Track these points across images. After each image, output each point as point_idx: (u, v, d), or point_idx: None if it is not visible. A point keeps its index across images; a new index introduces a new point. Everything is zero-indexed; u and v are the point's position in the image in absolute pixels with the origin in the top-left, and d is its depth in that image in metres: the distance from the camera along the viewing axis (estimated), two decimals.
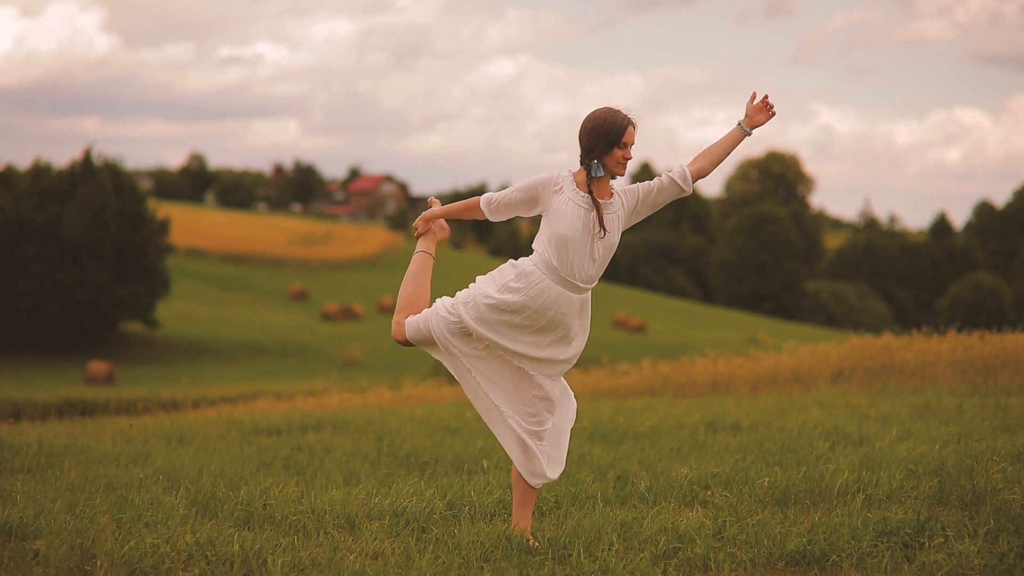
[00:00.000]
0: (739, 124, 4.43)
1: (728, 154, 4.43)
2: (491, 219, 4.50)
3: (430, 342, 4.51)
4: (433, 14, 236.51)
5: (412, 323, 4.54)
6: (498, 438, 4.50)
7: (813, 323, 66.09)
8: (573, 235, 4.28)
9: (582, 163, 4.33)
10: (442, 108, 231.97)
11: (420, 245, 4.73)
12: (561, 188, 4.32)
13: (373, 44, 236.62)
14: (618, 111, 4.30)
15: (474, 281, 4.52)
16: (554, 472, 4.48)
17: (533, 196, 4.37)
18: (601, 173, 4.28)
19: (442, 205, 4.74)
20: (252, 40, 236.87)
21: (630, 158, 4.30)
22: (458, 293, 4.51)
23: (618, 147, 4.27)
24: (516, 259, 4.50)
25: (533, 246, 4.42)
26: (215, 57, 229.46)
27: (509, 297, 4.35)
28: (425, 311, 4.55)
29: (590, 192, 4.31)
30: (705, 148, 4.44)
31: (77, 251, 40.72)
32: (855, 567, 4.07)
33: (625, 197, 4.41)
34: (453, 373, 4.54)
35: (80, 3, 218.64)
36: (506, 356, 4.42)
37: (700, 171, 4.42)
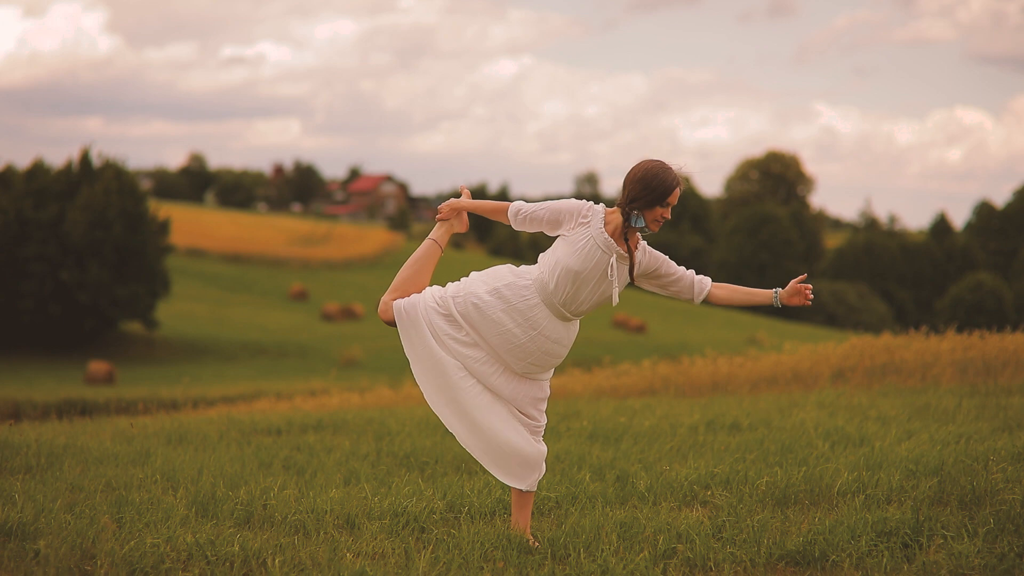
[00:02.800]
0: (775, 293, 4.40)
1: (748, 304, 4.43)
2: (514, 227, 4.46)
3: (412, 327, 4.44)
4: (436, 14, 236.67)
5: (398, 306, 4.49)
6: (471, 449, 4.43)
7: (813, 323, 66.06)
8: (580, 271, 4.24)
9: (620, 207, 4.27)
10: (445, 108, 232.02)
11: (434, 233, 4.67)
12: (588, 222, 4.27)
13: (376, 44, 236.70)
14: (670, 169, 4.24)
15: (468, 275, 4.50)
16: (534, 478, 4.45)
17: (558, 219, 4.33)
18: (642, 223, 4.23)
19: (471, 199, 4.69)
20: (255, 40, 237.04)
21: (668, 218, 4.28)
22: (449, 285, 4.49)
23: (660, 205, 4.23)
24: (519, 265, 4.46)
25: (539, 259, 4.37)
26: (218, 57, 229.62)
27: (495, 303, 4.33)
28: (414, 296, 4.52)
29: (626, 240, 4.26)
30: (737, 286, 4.41)
31: (78, 251, 40.72)
32: (855, 567, 4.07)
33: (645, 256, 4.36)
34: (426, 368, 4.43)
35: (83, 3, 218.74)
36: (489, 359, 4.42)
37: (715, 297, 4.41)
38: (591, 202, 4.32)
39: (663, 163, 4.25)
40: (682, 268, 4.41)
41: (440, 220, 4.69)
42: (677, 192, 4.24)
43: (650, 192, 4.20)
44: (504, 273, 4.40)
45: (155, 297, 42.29)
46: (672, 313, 62.01)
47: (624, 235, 4.26)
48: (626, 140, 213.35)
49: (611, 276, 4.27)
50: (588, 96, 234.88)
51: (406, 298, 4.53)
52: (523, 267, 4.43)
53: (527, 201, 4.60)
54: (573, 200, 4.33)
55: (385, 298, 4.57)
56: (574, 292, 4.27)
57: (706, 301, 4.41)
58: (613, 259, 4.25)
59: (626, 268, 4.32)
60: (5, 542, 4.21)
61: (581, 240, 4.25)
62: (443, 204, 4.68)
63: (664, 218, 4.24)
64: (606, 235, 4.25)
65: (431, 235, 4.67)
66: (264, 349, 42.60)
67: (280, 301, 56.24)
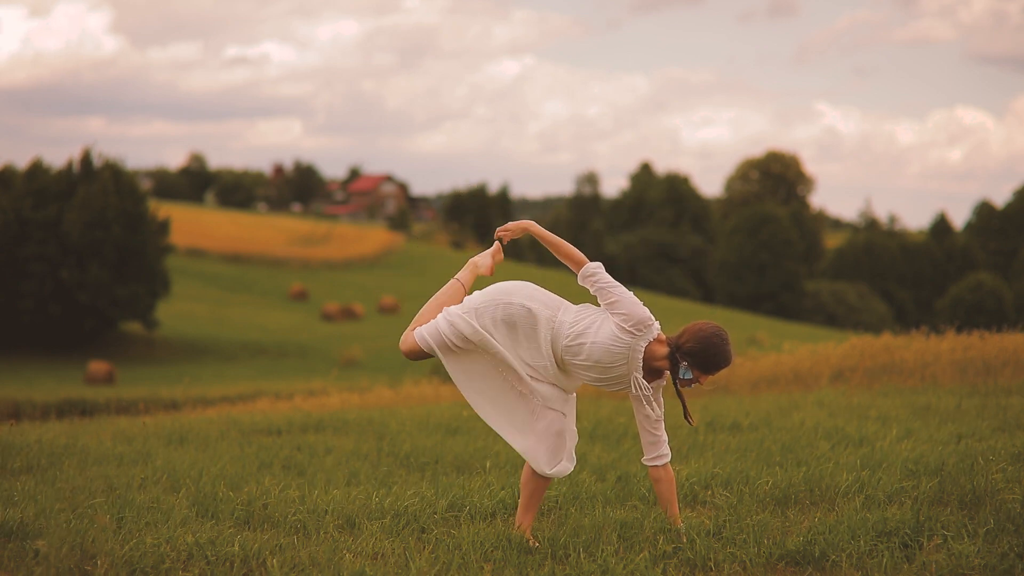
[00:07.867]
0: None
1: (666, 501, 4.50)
2: (579, 281, 4.45)
3: (439, 345, 4.45)
4: (439, 15, 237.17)
5: (419, 332, 4.50)
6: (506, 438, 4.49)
7: (813, 323, 66.04)
8: (601, 361, 4.29)
9: (673, 347, 4.29)
10: (446, 108, 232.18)
11: (461, 273, 4.69)
12: (644, 336, 4.30)
13: (379, 44, 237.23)
14: (729, 346, 4.29)
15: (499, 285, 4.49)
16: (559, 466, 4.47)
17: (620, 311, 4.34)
18: (689, 376, 4.28)
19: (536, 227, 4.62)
20: (259, 40, 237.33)
21: (702, 384, 4.33)
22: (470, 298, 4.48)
23: (705, 372, 4.29)
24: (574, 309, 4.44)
25: (577, 309, 4.38)
26: (221, 57, 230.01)
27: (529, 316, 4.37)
28: (432, 321, 4.51)
29: (675, 381, 4.34)
30: (668, 495, 4.47)
31: (78, 251, 40.72)
32: (855, 567, 4.07)
33: (661, 381, 4.42)
34: (456, 372, 4.48)
35: (88, 3, 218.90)
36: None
37: (652, 475, 4.49)
38: (653, 318, 4.32)
39: (728, 340, 4.29)
40: (664, 435, 4.46)
41: (499, 237, 4.65)
42: (725, 371, 4.33)
43: (708, 358, 4.26)
44: (534, 295, 4.42)
45: (155, 297, 42.30)
46: (672, 313, 61.96)
47: (674, 376, 4.32)
48: (627, 140, 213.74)
49: (635, 390, 4.35)
50: (589, 96, 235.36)
51: (425, 324, 4.51)
52: (553, 298, 4.42)
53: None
54: (643, 308, 4.30)
55: (405, 335, 4.56)
56: (582, 360, 4.32)
57: (650, 466, 4.49)
58: (636, 377, 4.32)
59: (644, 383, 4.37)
60: (5, 542, 4.22)
61: (620, 345, 4.28)
62: (512, 223, 4.63)
63: (700, 383, 4.31)
64: (640, 356, 4.29)
65: (457, 275, 4.68)
66: (264, 349, 42.60)
67: (280, 301, 56.23)
